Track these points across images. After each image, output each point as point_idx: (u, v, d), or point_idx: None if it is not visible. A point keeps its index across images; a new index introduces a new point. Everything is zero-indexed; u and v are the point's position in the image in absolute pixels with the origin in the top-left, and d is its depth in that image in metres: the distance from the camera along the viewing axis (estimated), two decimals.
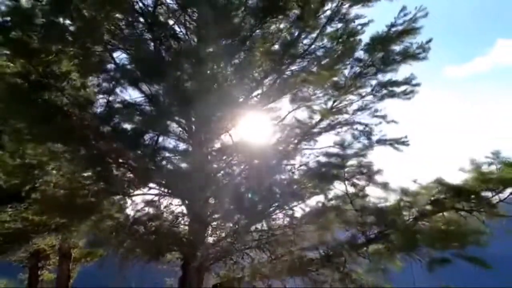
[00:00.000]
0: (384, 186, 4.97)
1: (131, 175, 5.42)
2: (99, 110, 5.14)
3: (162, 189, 5.71)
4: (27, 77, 4.26)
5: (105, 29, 4.70)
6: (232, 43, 5.04)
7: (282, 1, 4.84)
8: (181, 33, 5.67)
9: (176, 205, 6.10)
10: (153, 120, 5.18)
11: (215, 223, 5.87)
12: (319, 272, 5.51)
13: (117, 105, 5.21)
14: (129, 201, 6.07)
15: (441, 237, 4.27)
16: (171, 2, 5.56)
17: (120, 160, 5.18)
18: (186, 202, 5.75)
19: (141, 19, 5.24)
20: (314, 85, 5.56)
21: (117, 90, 5.32)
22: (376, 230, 4.88)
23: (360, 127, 5.92)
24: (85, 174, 5.27)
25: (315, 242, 5.49)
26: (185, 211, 5.96)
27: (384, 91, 5.85)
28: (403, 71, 5.82)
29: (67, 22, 4.48)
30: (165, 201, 6.11)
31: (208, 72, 5.10)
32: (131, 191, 5.57)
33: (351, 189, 5.14)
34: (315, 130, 6.09)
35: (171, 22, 5.61)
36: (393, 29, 5.43)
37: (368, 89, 5.92)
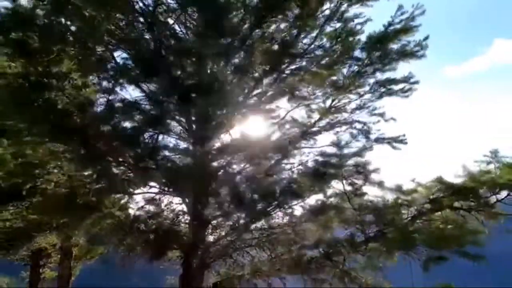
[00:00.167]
0: (380, 184, 5.00)
1: (131, 173, 5.45)
2: (99, 109, 5.16)
3: (163, 187, 5.74)
4: (27, 77, 4.27)
5: (105, 29, 4.71)
6: (231, 42, 5.06)
7: (282, 0, 4.85)
8: (181, 33, 5.69)
9: (176, 204, 6.14)
10: (153, 119, 5.19)
11: (215, 221, 5.90)
12: (319, 270, 5.55)
13: (117, 104, 5.22)
14: (129, 200, 6.10)
15: (440, 237, 4.30)
16: (172, 1, 5.57)
17: (120, 159, 5.20)
18: (187, 200, 5.78)
19: (141, 19, 5.25)
20: (313, 84, 5.58)
21: (117, 89, 5.33)
22: (375, 229, 4.91)
23: (359, 126, 5.96)
24: (86, 173, 5.30)
25: (314, 241, 5.53)
26: (185, 210, 5.99)
27: (383, 90, 5.88)
28: (402, 70, 5.85)
29: (68, 22, 4.49)
30: (165, 200, 6.15)
31: (208, 71, 5.12)
32: (131, 190, 5.59)
33: (349, 188, 5.18)
34: (314, 129, 6.11)
35: (171, 21, 5.62)
36: (391, 27, 5.45)
37: (367, 88, 5.95)
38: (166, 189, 5.71)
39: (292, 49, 5.33)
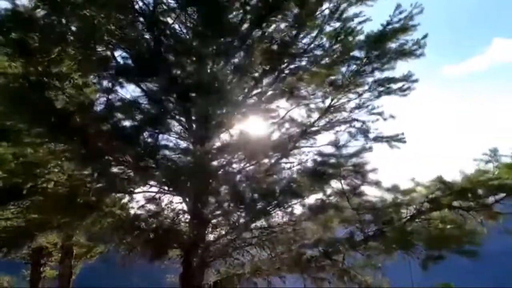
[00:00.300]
0: (378, 184, 5.02)
1: (131, 173, 5.46)
2: (99, 108, 5.17)
3: (163, 187, 5.75)
4: (27, 77, 4.28)
5: (105, 28, 4.72)
6: (231, 42, 5.07)
7: (281, 0, 4.86)
8: (181, 32, 5.69)
9: (177, 203, 6.15)
10: (153, 118, 5.21)
11: (215, 220, 5.92)
12: (318, 269, 5.57)
13: (117, 103, 5.24)
14: (129, 199, 6.12)
15: (438, 237, 4.31)
16: (171, 1, 5.58)
17: (120, 158, 5.22)
18: (187, 199, 5.80)
19: (141, 19, 5.26)
20: (312, 83, 5.59)
21: (117, 88, 5.35)
22: (374, 228, 4.92)
23: (358, 125, 5.97)
24: (86, 172, 5.31)
25: (314, 240, 5.55)
26: (185, 209, 6.00)
27: (381, 89, 5.89)
28: (401, 68, 5.87)
29: (68, 22, 4.50)
30: (166, 199, 6.16)
31: (208, 70, 5.13)
32: (131, 189, 5.61)
33: (348, 188, 5.19)
34: (314, 128, 6.13)
35: (170, 21, 5.63)
36: (389, 27, 5.46)
37: (366, 87, 5.96)
38: (166, 188, 5.73)
39: (291, 49, 5.34)
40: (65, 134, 4.50)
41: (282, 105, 6.21)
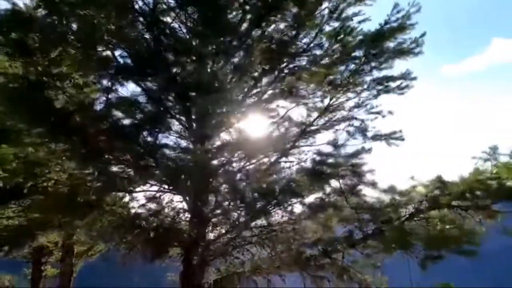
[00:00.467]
0: (375, 185, 5.04)
1: (131, 172, 5.48)
2: (99, 107, 5.19)
3: (163, 185, 5.78)
4: (27, 77, 4.30)
5: (105, 28, 4.73)
6: (231, 41, 5.08)
7: (281, 0, 4.87)
8: (180, 32, 5.71)
9: (177, 201, 6.17)
10: (153, 117, 5.23)
11: (215, 219, 5.94)
12: (318, 268, 5.60)
13: (117, 102, 5.25)
14: (130, 198, 6.14)
15: (437, 237, 4.33)
16: (171, 0, 5.59)
17: (120, 157, 5.24)
18: (187, 198, 5.82)
19: (141, 19, 5.27)
20: (311, 83, 5.61)
21: (118, 87, 5.36)
22: (372, 227, 4.94)
23: (357, 123, 5.99)
24: (86, 171, 5.33)
25: (313, 238, 5.57)
26: (186, 207, 6.03)
27: (380, 87, 5.91)
28: (399, 67, 5.89)
29: (67, 22, 4.52)
30: (166, 197, 6.18)
31: (208, 70, 5.15)
32: (131, 188, 5.63)
33: (346, 187, 5.21)
34: (313, 127, 6.15)
35: (170, 20, 5.64)
36: (387, 26, 5.47)
37: (365, 86, 5.97)
38: (166, 187, 5.75)
39: (291, 48, 5.36)
40: (65, 133, 4.52)
41: (282, 105, 6.23)
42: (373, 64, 5.70)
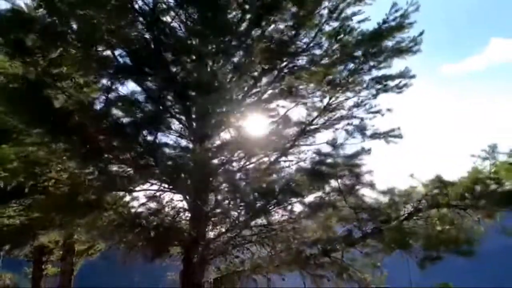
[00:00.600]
0: (372, 186, 5.05)
1: (131, 171, 5.50)
2: (99, 107, 5.20)
3: (163, 185, 5.80)
4: (26, 77, 4.31)
5: (106, 28, 4.75)
6: (230, 41, 5.09)
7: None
8: (180, 31, 5.72)
9: (177, 200, 6.19)
10: (153, 116, 5.24)
11: (215, 218, 5.96)
12: (317, 267, 5.61)
13: (117, 101, 5.27)
14: (130, 197, 6.16)
15: (437, 237, 4.33)
16: (171, 0, 5.59)
17: (120, 157, 5.26)
18: (187, 197, 5.84)
19: (141, 19, 5.28)
20: (311, 82, 5.62)
21: (117, 86, 5.37)
22: (371, 226, 4.96)
23: (356, 122, 6.01)
24: (87, 171, 5.35)
25: (313, 237, 5.59)
26: (186, 206, 6.05)
27: (379, 86, 5.92)
28: (398, 66, 5.90)
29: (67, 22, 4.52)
30: (166, 197, 6.20)
31: (208, 69, 5.16)
32: (131, 187, 5.65)
33: (344, 187, 5.22)
34: (312, 127, 6.16)
35: (169, 20, 5.65)
36: (385, 25, 5.48)
37: (364, 85, 5.98)
38: (166, 186, 5.77)
39: (290, 48, 5.36)
40: (64, 133, 4.53)
41: (281, 104, 6.24)
42: (371, 63, 5.71)
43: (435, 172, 4.67)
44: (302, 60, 5.73)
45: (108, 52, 5.32)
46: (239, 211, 5.59)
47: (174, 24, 5.63)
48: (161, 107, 5.47)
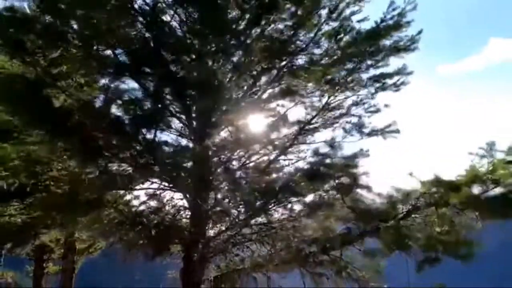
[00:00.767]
0: (368, 188, 5.08)
1: (132, 170, 5.52)
2: (98, 106, 5.22)
3: (163, 183, 5.82)
4: (26, 77, 4.32)
5: (106, 28, 4.76)
6: (230, 40, 5.10)
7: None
8: (180, 30, 5.73)
9: (177, 199, 6.22)
10: (153, 115, 5.26)
11: (215, 216, 5.99)
12: (317, 265, 5.65)
13: (117, 100, 5.28)
14: (131, 196, 6.19)
15: (435, 238, 4.34)
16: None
17: (121, 155, 5.28)
18: (187, 196, 5.87)
19: (140, 18, 5.29)
20: (310, 81, 5.63)
21: (117, 85, 5.38)
22: (370, 225, 4.98)
23: (354, 119, 6.04)
24: (87, 170, 5.37)
25: (312, 235, 5.62)
26: (186, 205, 6.08)
27: (377, 84, 5.94)
28: (395, 64, 5.91)
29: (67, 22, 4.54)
30: (167, 195, 6.23)
31: (207, 69, 5.17)
32: (131, 186, 5.68)
33: (342, 188, 5.25)
34: (311, 126, 6.18)
35: (169, 19, 5.66)
36: (383, 24, 5.49)
37: (362, 84, 6.00)
38: (166, 184, 5.80)
39: (289, 47, 5.38)
40: (64, 133, 4.54)
41: (280, 103, 6.26)
42: (369, 62, 5.72)
43: (434, 171, 4.68)
44: (301, 60, 5.75)
45: (108, 52, 5.34)
46: (239, 209, 5.63)
47: (174, 23, 5.65)
48: (160, 106, 5.49)
